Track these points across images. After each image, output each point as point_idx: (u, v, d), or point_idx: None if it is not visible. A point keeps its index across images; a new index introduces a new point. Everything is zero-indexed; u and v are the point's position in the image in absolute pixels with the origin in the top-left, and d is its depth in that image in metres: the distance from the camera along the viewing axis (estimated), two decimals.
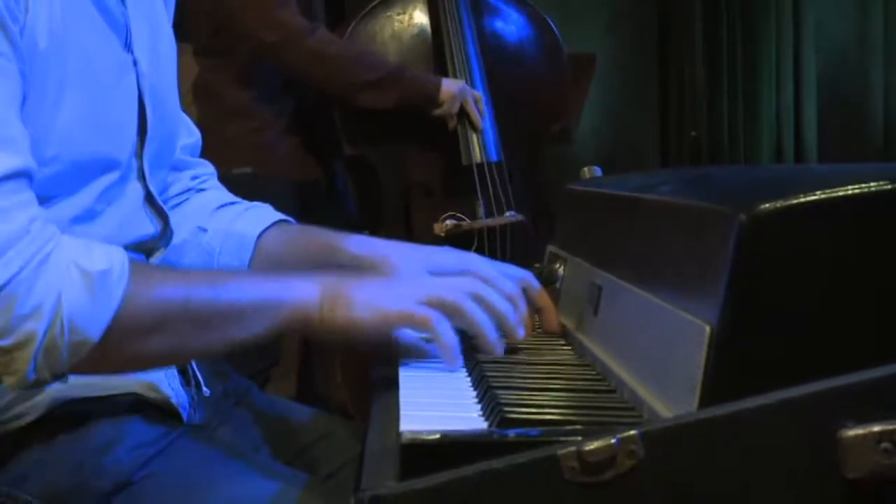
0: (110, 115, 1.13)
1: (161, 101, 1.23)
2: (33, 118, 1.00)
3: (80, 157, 1.08)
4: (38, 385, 0.98)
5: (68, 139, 1.05)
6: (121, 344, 0.99)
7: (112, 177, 1.13)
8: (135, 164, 1.19)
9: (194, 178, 1.44)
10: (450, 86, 2.68)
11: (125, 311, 0.98)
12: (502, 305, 1.14)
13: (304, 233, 1.39)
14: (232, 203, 1.42)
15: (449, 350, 1.07)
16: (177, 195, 1.41)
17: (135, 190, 1.19)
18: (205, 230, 1.37)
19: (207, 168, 1.47)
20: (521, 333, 1.15)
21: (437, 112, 2.68)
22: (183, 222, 1.36)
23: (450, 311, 1.09)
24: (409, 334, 1.17)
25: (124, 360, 1.02)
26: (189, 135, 1.44)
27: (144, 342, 1.01)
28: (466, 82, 2.75)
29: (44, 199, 1.01)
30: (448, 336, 1.07)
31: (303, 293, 1.07)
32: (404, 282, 1.16)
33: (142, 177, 1.20)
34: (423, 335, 1.16)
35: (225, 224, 1.37)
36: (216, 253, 1.35)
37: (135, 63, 1.18)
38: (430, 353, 1.13)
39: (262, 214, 1.40)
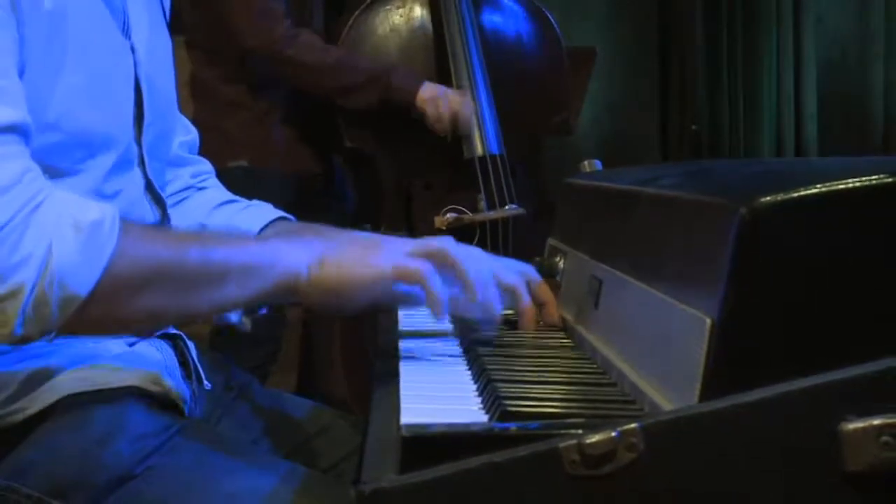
0: (108, 93, 1.13)
1: (158, 93, 1.23)
2: (35, 81, 1.00)
3: (79, 128, 1.07)
4: (26, 342, 0.95)
5: (68, 108, 1.05)
6: (110, 302, 0.97)
7: (113, 156, 1.13)
8: (135, 149, 1.19)
9: (195, 175, 1.44)
10: (426, 91, 2.65)
11: (115, 266, 0.96)
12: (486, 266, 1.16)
13: (305, 229, 1.40)
14: (231, 201, 1.43)
15: (437, 302, 1.08)
16: (177, 192, 1.41)
17: (137, 176, 1.20)
18: (205, 227, 1.37)
19: (207, 166, 1.48)
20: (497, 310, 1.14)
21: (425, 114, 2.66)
22: (183, 219, 1.36)
23: (438, 259, 1.11)
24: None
25: (113, 319, 1.00)
26: (186, 132, 1.45)
27: (134, 300, 0.99)
28: (466, 75, 2.74)
29: (53, 174, 1.00)
30: (437, 287, 1.08)
31: (290, 256, 1.08)
32: (389, 242, 1.16)
33: (142, 163, 1.20)
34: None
35: (225, 221, 1.37)
36: None
37: (132, 50, 1.18)
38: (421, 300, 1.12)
39: (263, 211, 1.40)
